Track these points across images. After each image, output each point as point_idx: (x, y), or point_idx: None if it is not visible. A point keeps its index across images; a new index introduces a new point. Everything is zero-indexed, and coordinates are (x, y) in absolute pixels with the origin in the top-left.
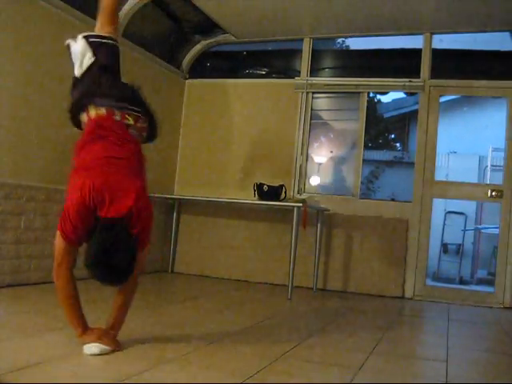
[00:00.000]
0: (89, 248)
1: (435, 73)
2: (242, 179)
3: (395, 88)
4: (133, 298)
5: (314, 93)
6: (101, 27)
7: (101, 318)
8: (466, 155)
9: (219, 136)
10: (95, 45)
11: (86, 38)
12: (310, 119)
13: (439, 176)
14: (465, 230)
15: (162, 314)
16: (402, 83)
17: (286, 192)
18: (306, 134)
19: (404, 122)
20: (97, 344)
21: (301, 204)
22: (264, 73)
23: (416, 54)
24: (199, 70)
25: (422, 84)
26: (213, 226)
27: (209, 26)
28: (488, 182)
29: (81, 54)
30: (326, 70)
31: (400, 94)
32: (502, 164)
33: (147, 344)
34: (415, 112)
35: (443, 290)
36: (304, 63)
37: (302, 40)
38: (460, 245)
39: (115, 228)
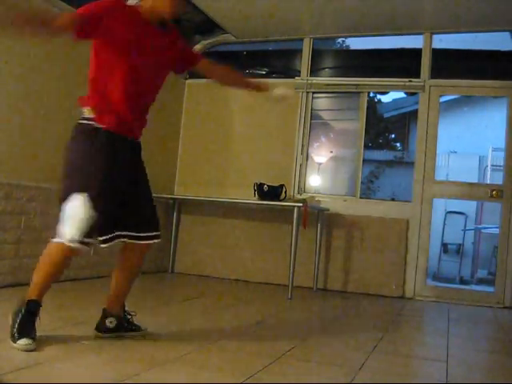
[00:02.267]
0: None
1: (435, 73)
2: (242, 179)
3: (395, 88)
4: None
5: (314, 93)
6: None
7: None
8: (466, 155)
9: (219, 136)
10: None
11: None
12: (310, 119)
13: (439, 176)
14: (465, 230)
15: (162, 314)
16: (402, 83)
17: (286, 192)
18: (306, 134)
19: (404, 121)
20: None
21: (301, 204)
22: (264, 73)
23: (416, 53)
24: None
25: (422, 84)
26: (213, 226)
27: (209, 26)
28: (488, 182)
29: None
30: (326, 69)
31: (400, 94)
32: (502, 164)
33: (147, 344)
34: (415, 112)
35: (443, 289)
36: (304, 63)
37: (302, 40)
38: (460, 245)
39: None
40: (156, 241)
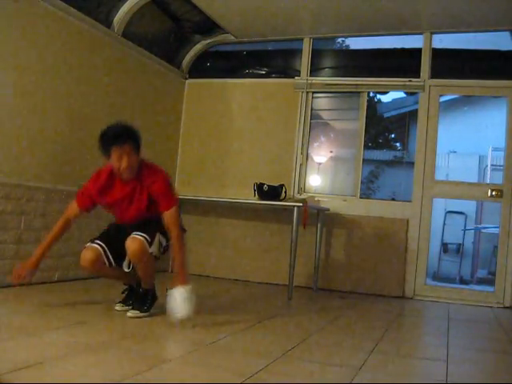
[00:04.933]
0: None
1: (435, 72)
2: (242, 179)
3: (395, 88)
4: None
5: (313, 92)
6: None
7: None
8: (466, 155)
9: (219, 136)
10: None
11: None
12: (310, 119)
13: (439, 176)
14: (465, 230)
15: (162, 314)
16: (402, 83)
17: (285, 192)
18: (306, 134)
19: (404, 121)
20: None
21: (301, 204)
22: (264, 73)
23: (416, 53)
24: (199, 70)
25: (422, 84)
26: (213, 226)
27: (209, 26)
28: (488, 182)
29: None
30: (326, 69)
31: (400, 94)
32: (502, 164)
33: (147, 344)
34: (415, 111)
35: (443, 289)
36: (304, 63)
37: (301, 40)
38: (460, 244)
39: None
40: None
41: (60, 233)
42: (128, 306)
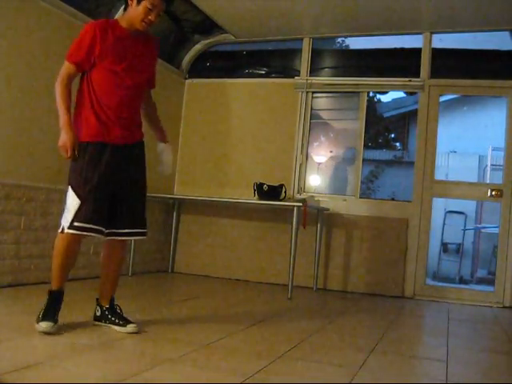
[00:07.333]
0: None
1: (435, 72)
2: (242, 179)
3: (395, 88)
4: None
5: (313, 92)
6: None
7: None
8: (466, 154)
9: (219, 136)
10: None
11: None
12: (310, 119)
13: (439, 175)
14: (465, 230)
15: (162, 314)
16: (402, 83)
17: (285, 192)
18: (306, 134)
19: (404, 121)
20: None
21: (301, 204)
22: (264, 72)
23: (416, 53)
24: (199, 69)
25: (421, 83)
26: (213, 226)
27: (209, 26)
28: (488, 182)
29: None
30: (326, 69)
31: (400, 94)
32: (501, 163)
33: (147, 344)
34: (415, 111)
35: (443, 289)
36: (304, 63)
37: (301, 40)
38: (460, 244)
39: None
40: (137, 238)
41: (70, 98)
42: (105, 321)
